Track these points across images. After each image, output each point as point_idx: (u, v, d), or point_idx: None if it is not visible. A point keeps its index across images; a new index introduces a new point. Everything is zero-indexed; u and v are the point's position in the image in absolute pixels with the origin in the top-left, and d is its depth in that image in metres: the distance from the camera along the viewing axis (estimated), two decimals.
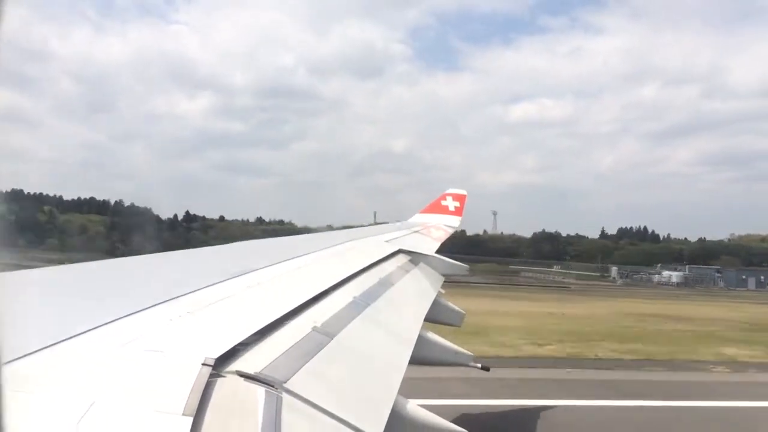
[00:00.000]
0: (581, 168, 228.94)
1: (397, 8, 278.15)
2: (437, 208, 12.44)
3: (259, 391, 1.65)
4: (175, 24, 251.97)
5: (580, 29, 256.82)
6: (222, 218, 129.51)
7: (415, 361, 3.12)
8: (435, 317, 5.10)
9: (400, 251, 6.11)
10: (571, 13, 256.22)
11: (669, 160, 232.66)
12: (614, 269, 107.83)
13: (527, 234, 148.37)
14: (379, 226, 10.37)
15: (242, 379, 1.70)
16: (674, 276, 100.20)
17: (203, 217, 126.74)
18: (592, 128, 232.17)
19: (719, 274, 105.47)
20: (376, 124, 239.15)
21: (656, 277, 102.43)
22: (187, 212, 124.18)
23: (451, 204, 12.57)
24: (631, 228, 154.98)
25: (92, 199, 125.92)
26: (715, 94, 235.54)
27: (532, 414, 10.09)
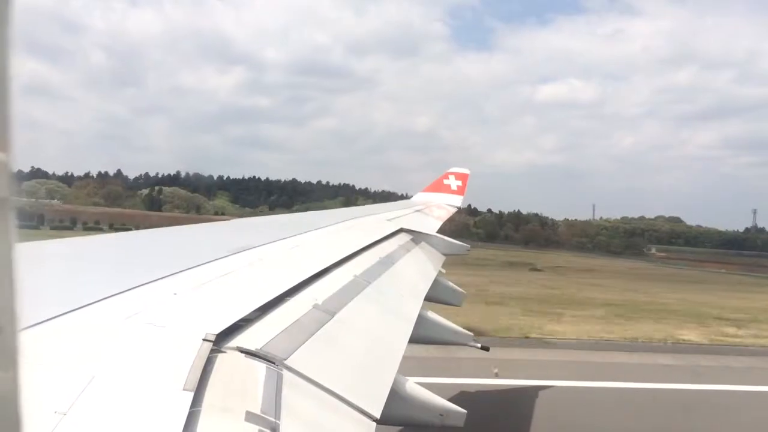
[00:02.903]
0: (600, 149, 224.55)
1: None
2: (440, 187, 12.40)
3: (260, 367, 1.67)
4: None
5: (618, 11, 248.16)
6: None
7: (415, 339, 3.14)
8: (435, 296, 5.13)
9: (401, 230, 6.11)
10: None
11: None
12: None
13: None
14: (380, 204, 10.37)
15: (243, 355, 1.71)
16: None
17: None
18: (622, 109, 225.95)
19: None
20: (405, 103, 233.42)
21: None
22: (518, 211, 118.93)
23: (453, 183, 12.52)
24: None
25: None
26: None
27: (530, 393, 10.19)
